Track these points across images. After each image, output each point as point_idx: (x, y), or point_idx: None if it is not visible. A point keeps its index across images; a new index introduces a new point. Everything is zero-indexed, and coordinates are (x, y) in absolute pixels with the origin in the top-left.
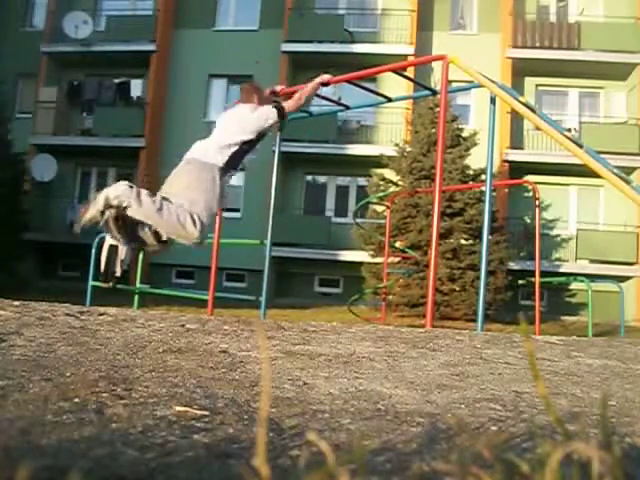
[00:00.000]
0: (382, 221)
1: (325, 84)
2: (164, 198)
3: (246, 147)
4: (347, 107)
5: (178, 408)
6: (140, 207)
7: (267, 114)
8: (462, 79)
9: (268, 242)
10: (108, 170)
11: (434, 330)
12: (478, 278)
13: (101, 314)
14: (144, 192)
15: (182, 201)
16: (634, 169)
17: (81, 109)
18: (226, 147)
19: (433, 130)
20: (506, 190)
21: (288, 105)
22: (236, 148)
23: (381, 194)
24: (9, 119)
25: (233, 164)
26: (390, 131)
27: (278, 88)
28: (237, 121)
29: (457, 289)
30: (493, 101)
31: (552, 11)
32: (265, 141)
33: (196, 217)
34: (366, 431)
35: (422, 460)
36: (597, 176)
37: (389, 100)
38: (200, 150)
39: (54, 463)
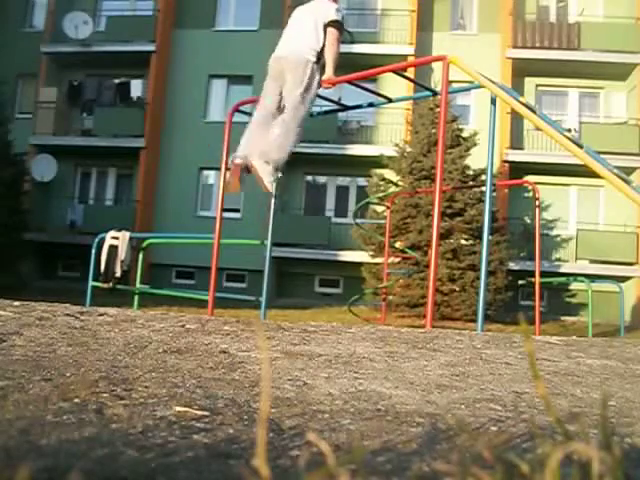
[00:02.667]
0: (382, 221)
1: (329, 85)
2: None
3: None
4: (347, 107)
5: (178, 408)
6: None
7: (332, 11)
8: (462, 79)
9: (268, 242)
10: (108, 170)
11: (434, 330)
12: (478, 278)
13: (101, 314)
14: None
15: None
16: (634, 169)
17: (81, 109)
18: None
19: (433, 130)
20: (506, 190)
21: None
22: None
23: (381, 194)
24: (9, 119)
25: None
26: (390, 131)
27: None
28: (311, 21)
29: (457, 289)
30: (493, 102)
31: (552, 11)
32: None
33: None
34: (366, 431)
35: (422, 460)
36: (597, 176)
37: (389, 101)
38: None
39: (54, 463)
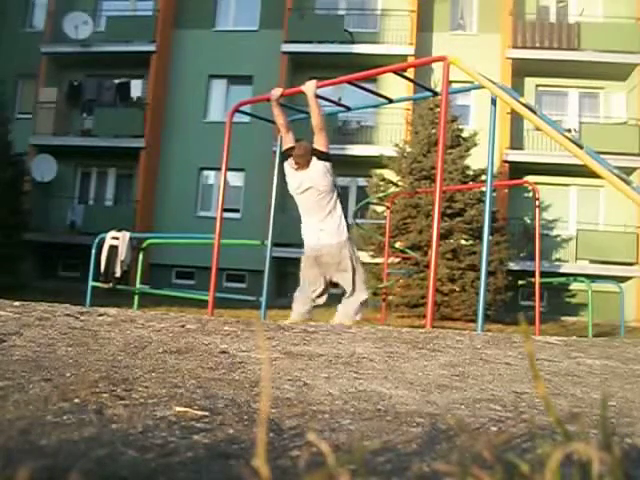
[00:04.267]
0: (382, 221)
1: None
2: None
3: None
4: (347, 108)
5: (178, 409)
6: None
7: (325, 171)
8: (462, 80)
9: (269, 242)
10: (108, 170)
11: (434, 331)
12: (478, 278)
13: (101, 314)
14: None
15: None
16: (634, 169)
17: (81, 109)
18: (337, 216)
19: (433, 130)
20: (506, 190)
21: (322, 145)
22: (339, 211)
23: (381, 194)
24: (9, 119)
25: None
26: (390, 131)
27: (278, 93)
28: (317, 195)
29: (457, 289)
30: (493, 102)
31: (552, 11)
32: (265, 141)
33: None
34: (366, 432)
35: (422, 461)
36: (597, 176)
37: (390, 101)
38: (328, 236)
39: (54, 463)
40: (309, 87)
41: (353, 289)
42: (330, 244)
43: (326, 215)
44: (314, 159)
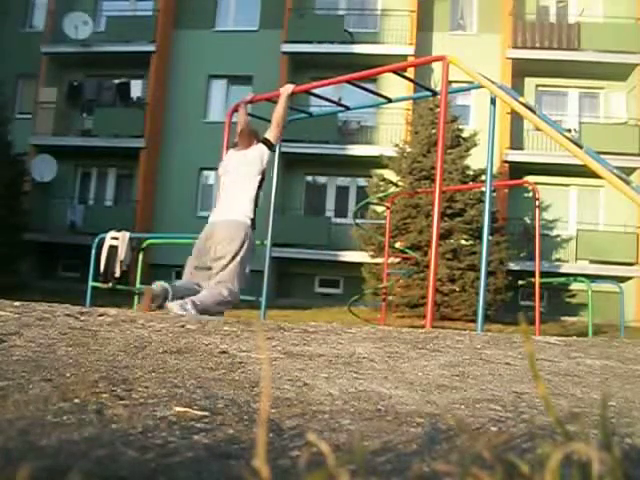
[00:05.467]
0: (382, 222)
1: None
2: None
3: (259, 191)
4: (347, 108)
5: (178, 409)
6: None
7: (261, 155)
8: (462, 79)
9: (268, 243)
10: (108, 170)
11: (434, 331)
12: (478, 278)
13: (101, 315)
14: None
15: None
16: (634, 169)
17: (81, 109)
18: (248, 199)
19: (433, 130)
20: (506, 190)
21: (272, 136)
22: (252, 196)
23: (381, 194)
24: (9, 119)
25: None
26: (390, 132)
27: (248, 98)
28: (243, 175)
29: (457, 290)
30: (493, 102)
31: (552, 11)
32: None
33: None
34: (366, 432)
35: (422, 461)
36: (597, 176)
37: (389, 101)
38: (229, 213)
39: (54, 464)
40: (285, 88)
41: (222, 279)
42: (227, 220)
43: (238, 195)
44: (260, 144)
